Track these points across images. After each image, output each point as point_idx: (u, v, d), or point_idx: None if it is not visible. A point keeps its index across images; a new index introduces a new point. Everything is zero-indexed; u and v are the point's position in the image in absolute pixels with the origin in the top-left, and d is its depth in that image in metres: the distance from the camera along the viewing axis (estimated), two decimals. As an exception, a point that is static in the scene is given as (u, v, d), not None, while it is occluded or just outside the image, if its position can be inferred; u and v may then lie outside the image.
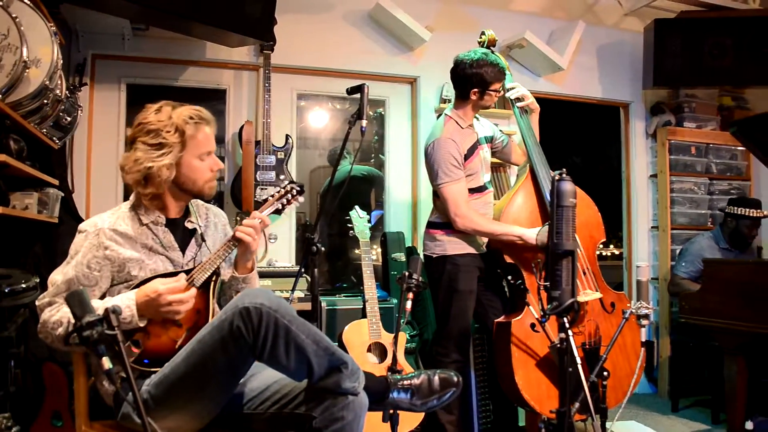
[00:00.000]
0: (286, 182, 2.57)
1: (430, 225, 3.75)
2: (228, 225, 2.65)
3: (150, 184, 2.30)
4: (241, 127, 4.22)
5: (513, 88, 3.78)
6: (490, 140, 3.84)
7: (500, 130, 4.02)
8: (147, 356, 2.18)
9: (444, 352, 3.61)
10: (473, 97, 3.62)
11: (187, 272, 2.30)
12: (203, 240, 2.48)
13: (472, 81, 3.58)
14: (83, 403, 2.28)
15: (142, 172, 2.26)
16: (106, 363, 1.64)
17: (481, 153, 3.70)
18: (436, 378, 2.38)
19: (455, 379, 2.40)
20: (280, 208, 2.52)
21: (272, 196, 2.51)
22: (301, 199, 2.53)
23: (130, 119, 4.26)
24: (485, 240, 3.67)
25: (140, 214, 2.35)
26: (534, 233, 3.40)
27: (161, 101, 2.38)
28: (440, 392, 2.37)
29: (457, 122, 3.64)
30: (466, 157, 3.59)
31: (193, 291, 2.25)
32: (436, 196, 3.70)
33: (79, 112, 3.64)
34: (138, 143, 2.29)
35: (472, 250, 3.63)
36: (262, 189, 4.14)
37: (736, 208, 4.87)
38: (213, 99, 4.62)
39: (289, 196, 2.50)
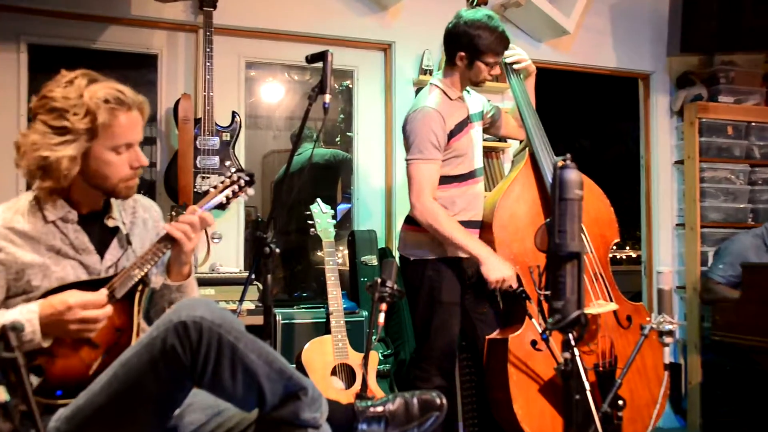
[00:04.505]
0: (233, 170, 2.53)
1: (410, 221, 3.72)
2: (162, 221, 2.62)
3: (48, 177, 2.20)
4: (177, 102, 4.20)
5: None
6: (481, 117, 3.86)
7: (488, 101, 4.03)
8: (52, 385, 2.13)
9: (424, 375, 3.60)
10: (459, 64, 3.62)
11: (107, 281, 2.25)
12: (128, 242, 2.44)
13: (461, 41, 3.58)
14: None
15: (37, 161, 2.17)
16: (3, 394, 1.62)
17: (471, 132, 3.72)
18: (415, 401, 2.36)
19: (438, 401, 2.39)
20: (225, 201, 2.48)
21: (215, 187, 2.47)
22: (250, 191, 2.50)
23: (34, 88, 4.15)
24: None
25: (45, 209, 2.28)
26: (498, 267, 3.43)
27: (80, 70, 2.28)
28: (420, 418, 2.35)
29: (445, 92, 3.65)
30: (453, 134, 3.59)
31: (109, 309, 2.19)
32: None
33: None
34: (38, 121, 2.21)
35: (458, 253, 3.61)
36: (203, 177, 4.12)
37: None
38: (141, 66, 4.59)
39: (236, 187, 2.47)
